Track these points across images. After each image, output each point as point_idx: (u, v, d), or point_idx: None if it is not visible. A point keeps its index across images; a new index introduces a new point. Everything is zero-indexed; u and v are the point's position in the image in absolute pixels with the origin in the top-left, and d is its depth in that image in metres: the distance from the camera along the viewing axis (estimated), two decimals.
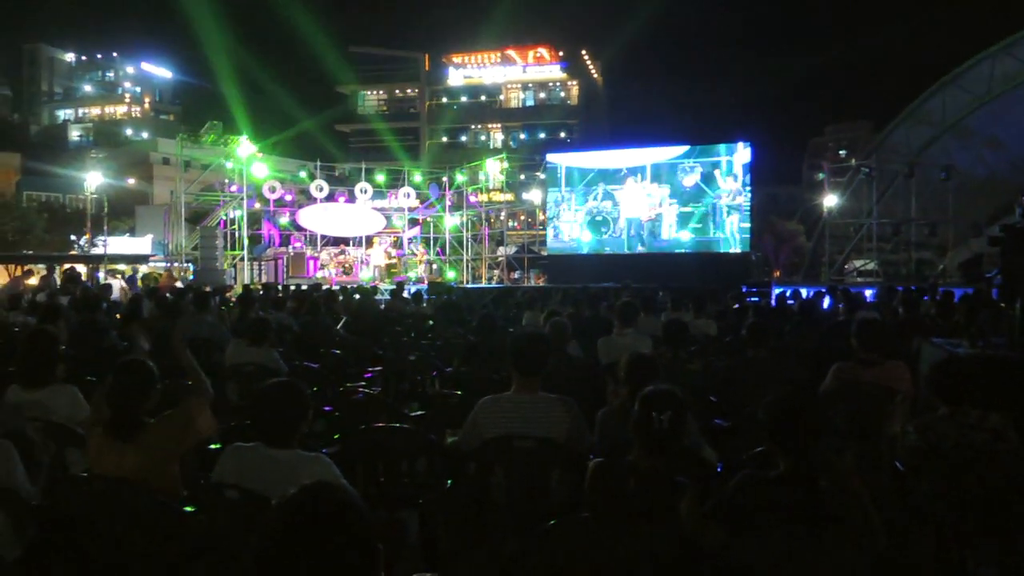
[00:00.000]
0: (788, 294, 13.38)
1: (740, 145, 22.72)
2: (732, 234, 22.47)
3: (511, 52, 50.51)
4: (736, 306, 11.15)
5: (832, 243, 27.61)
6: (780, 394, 2.71)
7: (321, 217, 26.92)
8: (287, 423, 2.97)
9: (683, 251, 22.83)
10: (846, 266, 28.78)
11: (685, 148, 23.28)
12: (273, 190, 26.00)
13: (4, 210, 33.53)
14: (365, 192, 27.35)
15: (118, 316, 9.39)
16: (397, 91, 54.42)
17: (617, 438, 3.43)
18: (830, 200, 28.43)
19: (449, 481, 3.91)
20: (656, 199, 23.21)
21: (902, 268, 25.48)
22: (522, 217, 40.62)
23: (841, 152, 64.13)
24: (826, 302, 11.94)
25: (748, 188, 22.46)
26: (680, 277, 17.64)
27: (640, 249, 23.30)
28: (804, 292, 14.81)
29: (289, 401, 3.01)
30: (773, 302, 13.44)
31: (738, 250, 22.41)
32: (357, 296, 12.92)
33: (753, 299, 15.01)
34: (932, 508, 3.23)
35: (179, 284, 19.44)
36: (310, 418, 3.09)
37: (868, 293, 14.98)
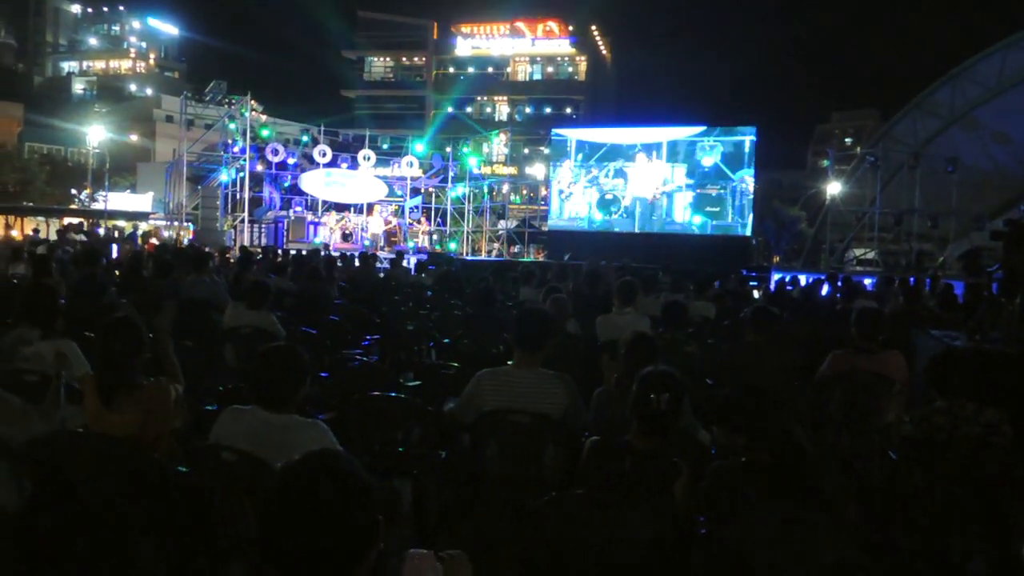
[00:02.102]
0: (787, 280, 13.39)
1: (745, 129, 22.65)
2: (737, 218, 22.46)
3: (520, 24, 50.03)
4: (736, 290, 11.16)
5: (833, 231, 27.55)
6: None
7: (323, 182, 26.81)
8: (285, 388, 2.98)
9: (685, 232, 22.79)
10: (846, 254, 28.75)
11: (701, 128, 23.15)
12: (276, 153, 25.86)
13: (5, 161, 33.38)
14: (368, 159, 27.21)
15: (117, 273, 9.39)
16: (404, 59, 53.96)
17: (612, 417, 3.45)
18: (834, 187, 28.33)
19: (443, 452, 3.94)
20: (665, 178, 23.10)
21: (902, 258, 25.44)
22: (524, 191, 40.49)
23: (847, 140, 63.82)
24: (825, 289, 11.96)
25: (752, 173, 22.41)
26: (681, 258, 17.63)
27: (645, 229, 23.24)
28: (803, 279, 14.83)
29: (288, 366, 3.01)
30: (772, 287, 13.44)
31: (740, 234, 22.40)
32: (357, 263, 12.90)
33: (752, 283, 15.02)
34: (923, 497, 3.26)
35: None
36: (307, 384, 3.09)
37: (867, 282, 14.99)
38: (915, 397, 4.37)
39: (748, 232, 22.70)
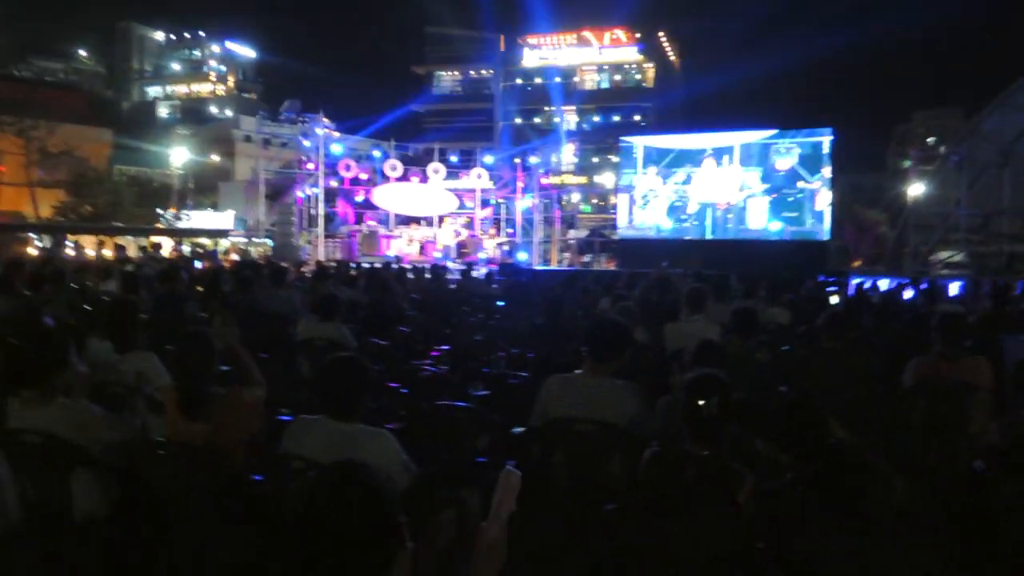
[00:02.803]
0: (868, 285, 12.96)
1: (821, 131, 22.07)
2: (814, 221, 21.89)
3: (587, 33, 50.02)
4: (812, 295, 10.86)
5: (917, 233, 26.52)
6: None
7: (394, 196, 27.27)
8: (349, 396, 3.04)
9: (759, 238, 22.30)
10: (931, 257, 27.65)
11: (774, 131, 22.67)
12: (348, 168, 26.46)
13: (96, 184, 35.03)
14: (438, 172, 27.56)
15: (199, 288, 9.75)
16: (472, 72, 54.55)
17: (678, 426, 3.39)
18: (916, 189, 27.33)
19: (511, 462, 3.94)
20: (739, 184, 22.67)
21: (992, 261, 24.30)
22: (594, 200, 40.34)
23: (929, 139, 61.42)
24: (908, 294, 11.53)
25: (829, 175, 21.82)
26: (755, 265, 17.24)
27: (718, 236, 22.84)
28: (885, 283, 14.33)
29: (351, 375, 3.08)
30: (851, 292, 13.03)
31: (817, 238, 21.81)
32: (428, 275, 13.07)
33: (831, 289, 14.57)
34: (1011, 510, 3.09)
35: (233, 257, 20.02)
36: (371, 392, 3.15)
37: (955, 286, 14.38)
38: (1003, 404, 4.15)
39: (826, 236, 22.08)
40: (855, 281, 16.31)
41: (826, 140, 21.79)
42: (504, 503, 2.17)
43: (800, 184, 21.94)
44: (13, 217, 33.24)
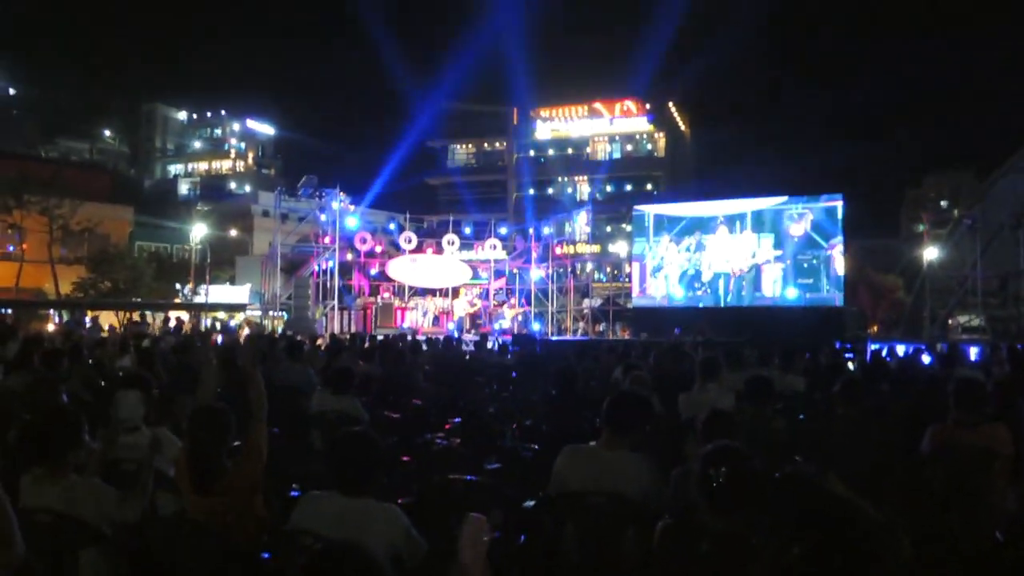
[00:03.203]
0: (885, 351, 12.84)
1: (832, 196, 22.24)
2: (829, 288, 21.83)
3: (598, 105, 51.02)
4: (828, 362, 10.76)
5: (934, 297, 26.38)
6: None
7: (409, 268, 27.53)
8: (360, 472, 3.03)
9: (774, 305, 22.23)
10: (950, 322, 27.39)
11: (784, 197, 22.85)
12: (364, 241, 26.81)
13: (118, 260, 35.55)
14: (452, 244, 27.87)
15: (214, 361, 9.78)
16: (486, 144, 55.59)
17: (691, 498, 3.34)
18: (931, 252, 27.29)
19: (522, 536, 3.88)
20: (751, 250, 22.74)
21: (1011, 324, 24.05)
22: (608, 269, 40.50)
23: (942, 202, 61.63)
24: (926, 359, 11.40)
25: (841, 240, 21.87)
26: (770, 332, 17.16)
27: (732, 303, 22.79)
28: (903, 348, 14.19)
29: (362, 451, 3.08)
30: (868, 358, 12.90)
31: (832, 304, 21.72)
32: (441, 347, 13.09)
33: (848, 355, 14.43)
34: None
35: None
36: (383, 468, 3.14)
37: (974, 351, 14.21)
38: (1022, 471, 4.07)
39: (841, 302, 22.00)
40: (872, 347, 16.17)
41: (838, 205, 21.92)
42: (468, 549, 2.16)
43: (814, 250, 21.98)
44: (34, 294, 33.73)
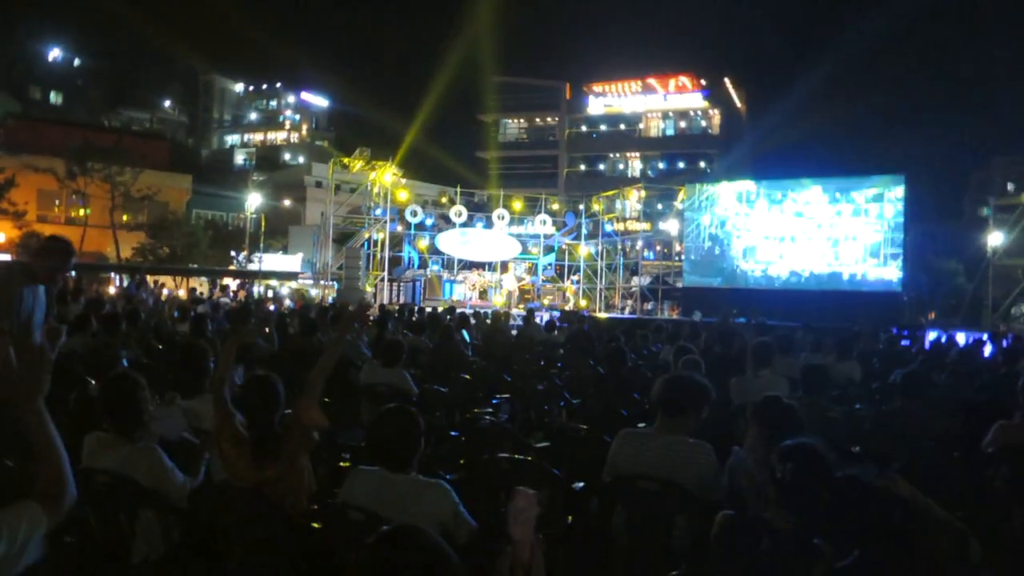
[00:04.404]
0: (944, 340, 12.47)
1: (893, 178, 21.57)
2: (886, 272, 21.27)
3: (652, 81, 50.21)
4: (885, 350, 10.49)
5: (997, 285, 25.53)
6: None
7: (459, 241, 27.62)
8: (401, 449, 3.04)
9: (829, 288, 21.75)
10: (1013, 310, 26.51)
11: (843, 178, 22.32)
12: (415, 214, 26.96)
13: (176, 227, 36.42)
14: (502, 218, 27.85)
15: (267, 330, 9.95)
16: (538, 119, 55.26)
17: (744, 488, 3.27)
18: (995, 238, 26.35)
19: (570, 517, 3.86)
20: (805, 231, 22.28)
21: None
22: (658, 247, 40.05)
23: (1009, 186, 59.37)
24: (988, 350, 11.02)
25: (901, 223, 21.24)
26: (824, 315, 16.78)
27: (787, 285, 22.40)
28: (962, 338, 13.77)
29: (402, 428, 3.07)
30: (927, 347, 12.54)
31: (889, 289, 21.16)
32: (490, 321, 13.10)
33: (904, 343, 14.06)
34: None
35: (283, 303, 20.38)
36: (424, 444, 3.13)
37: None
38: None
39: (899, 287, 21.42)
40: (931, 335, 15.73)
41: (899, 187, 21.27)
42: (518, 524, 2.16)
43: (871, 232, 21.41)
44: (96, 258, 34.79)
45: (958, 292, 34.77)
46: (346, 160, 29.06)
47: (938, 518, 2.36)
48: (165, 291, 24.45)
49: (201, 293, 25.27)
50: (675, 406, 3.67)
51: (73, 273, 25.95)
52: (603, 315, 24.18)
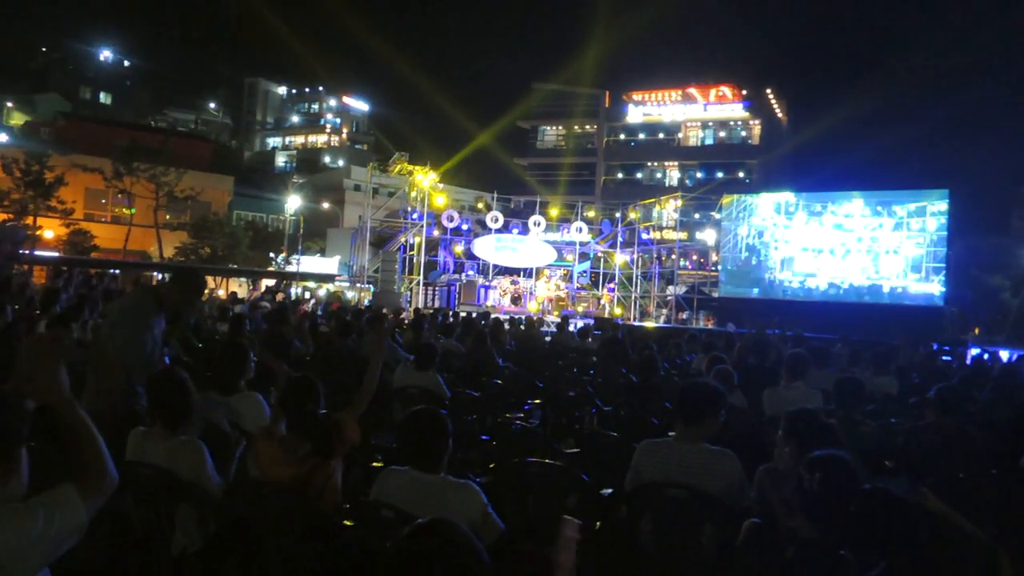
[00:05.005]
0: (987, 356, 12.22)
1: (937, 192, 21.22)
2: (928, 286, 20.90)
3: (692, 90, 49.86)
4: (925, 365, 10.31)
5: None
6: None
7: (494, 247, 27.71)
8: (429, 450, 3.11)
9: (868, 301, 21.44)
10: None
11: (884, 191, 22.03)
12: (451, 219, 27.13)
13: (217, 227, 37.08)
14: (538, 225, 27.90)
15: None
16: (576, 127, 55.20)
17: (773, 498, 3.27)
18: None
19: (598, 523, 3.88)
20: (845, 243, 22.01)
21: None
22: (694, 257, 39.78)
23: None
24: None
25: (944, 237, 20.87)
26: (863, 329, 16.54)
27: (825, 297, 22.13)
28: (1006, 354, 13.49)
29: (430, 429, 3.14)
30: (969, 363, 12.30)
31: (931, 304, 20.79)
32: (523, 327, 13.15)
33: (945, 358, 13.81)
34: None
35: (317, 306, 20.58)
36: (453, 445, 3.19)
37: None
38: None
39: (941, 302, 21.03)
40: (973, 351, 15.41)
41: (943, 201, 20.91)
42: (565, 553, 2.22)
43: (913, 246, 21.06)
44: (140, 256, 35.58)
45: (1003, 308, 33.99)
46: (384, 165, 29.36)
47: (968, 534, 2.34)
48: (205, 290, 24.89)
49: (241, 297, 25.73)
50: (691, 413, 3.69)
51: (116, 271, 26.57)
52: (650, 324, 24.04)
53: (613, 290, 29.13)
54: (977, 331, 31.89)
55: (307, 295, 30.53)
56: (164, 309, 4.93)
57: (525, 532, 3.98)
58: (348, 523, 3.26)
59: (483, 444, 5.32)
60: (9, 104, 56.61)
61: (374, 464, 4.34)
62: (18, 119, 54.10)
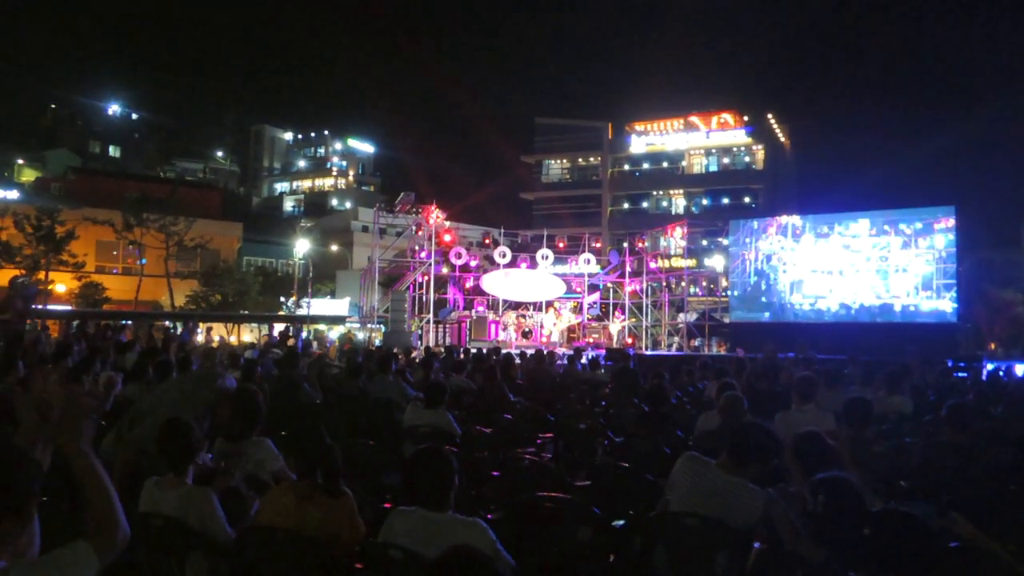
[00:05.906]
0: (1002, 371, 12.11)
1: (943, 209, 21.20)
2: (940, 303, 20.78)
3: (694, 118, 50.20)
4: (939, 382, 10.23)
5: None
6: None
7: (503, 282, 27.76)
8: (436, 488, 3.11)
9: (879, 320, 21.32)
10: None
11: (891, 210, 22.03)
12: (459, 256, 27.23)
13: (227, 274, 37.35)
14: (546, 258, 27.98)
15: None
16: (580, 159, 55.58)
17: (779, 522, 3.24)
18: None
19: (612, 556, 3.85)
20: (854, 264, 21.96)
21: None
22: (704, 283, 39.71)
23: None
24: None
25: (953, 254, 20.79)
26: (877, 348, 16.40)
27: (837, 318, 22.01)
28: (1022, 369, 13.36)
29: (435, 468, 3.15)
30: (984, 379, 12.17)
31: (944, 320, 20.64)
32: (534, 361, 13.11)
33: (960, 375, 13.67)
34: None
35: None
36: (459, 483, 3.19)
37: None
38: None
39: (954, 318, 20.88)
40: (989, 367, 15.27)
41: (950, 218, 20.88)
42: None
43: (922, 262, 20.99)
44: (152, 306, 35.81)
45: (1018, 322, 33.72)
46: (391, 205, 29.59)
47: (1000, 561, 2.32)
48: (216, 338, 24.99)
49: (252, 342, 25.79)
50: (744, 452, 3.64)
51: (128, 322, 26.74)
52: (649, 352, 23.95)
53: (624, 320, 29.08)
54: (994, 346, 31.62)
55: (311, 339, 30.62)
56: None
57: (537, 568, 3.95)
58: (358, 565, 3.26)
59: (494, 480, 5.29)
60: (20, 161, 57.56)
61: (385, 505, 4.33)
62: (29, 175, 54.96)
